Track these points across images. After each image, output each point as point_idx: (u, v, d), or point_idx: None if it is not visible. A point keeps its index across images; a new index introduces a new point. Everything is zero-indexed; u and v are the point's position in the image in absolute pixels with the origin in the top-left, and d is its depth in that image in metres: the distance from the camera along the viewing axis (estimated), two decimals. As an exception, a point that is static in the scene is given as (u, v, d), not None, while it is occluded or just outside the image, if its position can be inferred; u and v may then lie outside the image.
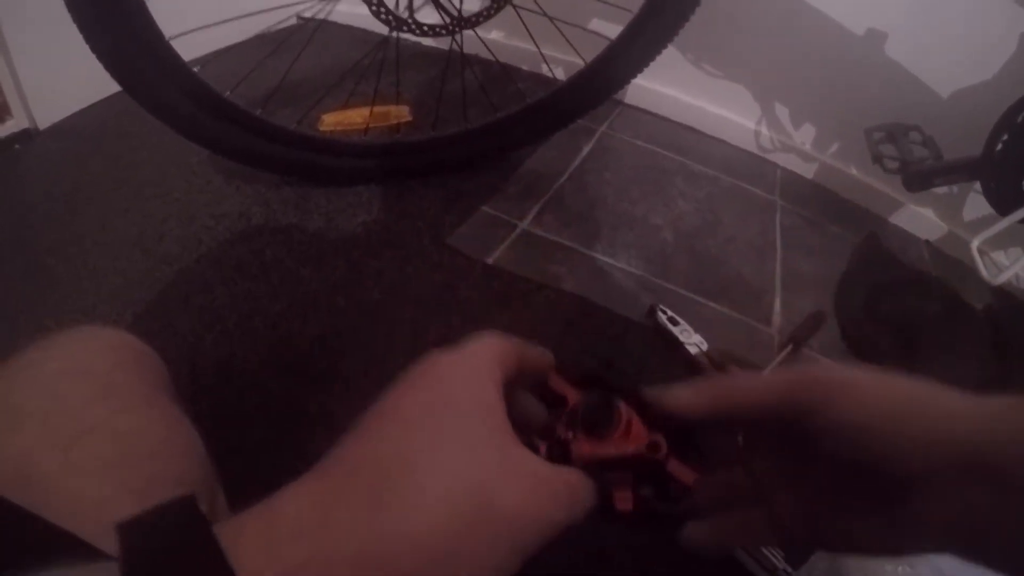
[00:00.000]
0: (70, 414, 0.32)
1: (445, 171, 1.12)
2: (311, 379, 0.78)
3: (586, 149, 1.25)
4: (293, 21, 1.53)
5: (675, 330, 0.89)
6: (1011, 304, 1.12)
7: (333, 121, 1.17)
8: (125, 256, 0.91)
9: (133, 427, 0.33)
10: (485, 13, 0.98)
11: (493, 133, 1.11)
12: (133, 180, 1.06)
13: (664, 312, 0.91)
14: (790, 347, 0.92)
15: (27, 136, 1.14)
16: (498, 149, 1.16)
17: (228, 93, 0.90)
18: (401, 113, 1.22)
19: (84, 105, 1.22)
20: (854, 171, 1.35)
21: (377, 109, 1.14)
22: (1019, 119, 0.97)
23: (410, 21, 0.93)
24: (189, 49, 0.85)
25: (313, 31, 1.30)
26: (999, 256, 1.20)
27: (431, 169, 1.11)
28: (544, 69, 1.40)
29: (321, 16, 1.49)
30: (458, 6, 0.97)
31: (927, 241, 1.31)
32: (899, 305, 1.07)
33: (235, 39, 1.45)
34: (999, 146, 0.99)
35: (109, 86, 0.80)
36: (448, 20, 0.97)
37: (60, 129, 1.17)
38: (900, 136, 1.14)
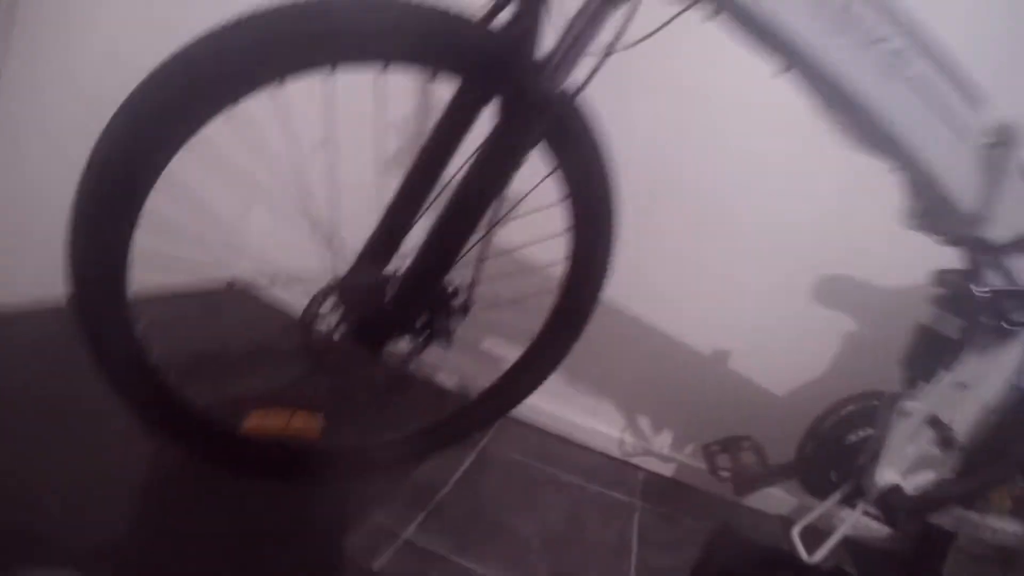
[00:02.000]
0: None
1: (344, 479, 1.25)
2: None
3: (468, 461, 1.44)
4: (223, 284, 1.73)
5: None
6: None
7: (255, 424, 1.23)
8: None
9: None
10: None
11: (396, 446, 1.27)
12: (68, 397, 1.12)
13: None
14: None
15: None
16: (399, 461, 1.32)
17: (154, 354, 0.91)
18: (313, 427, 1.38)
19: (37, 305, 1.26)
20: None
21: (295, 421, 1.30)
22: (821, 429, 1.22)
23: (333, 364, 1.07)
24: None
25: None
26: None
27: (331, 476, 1.23)
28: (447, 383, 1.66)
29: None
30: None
31: (781, 516, 1.51)
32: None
33: (162, 287, 1.48)
34: (808, 450, 1.23)
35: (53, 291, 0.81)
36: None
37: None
38: (733, 447, 1.39)
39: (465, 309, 1.04)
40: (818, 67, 0.82)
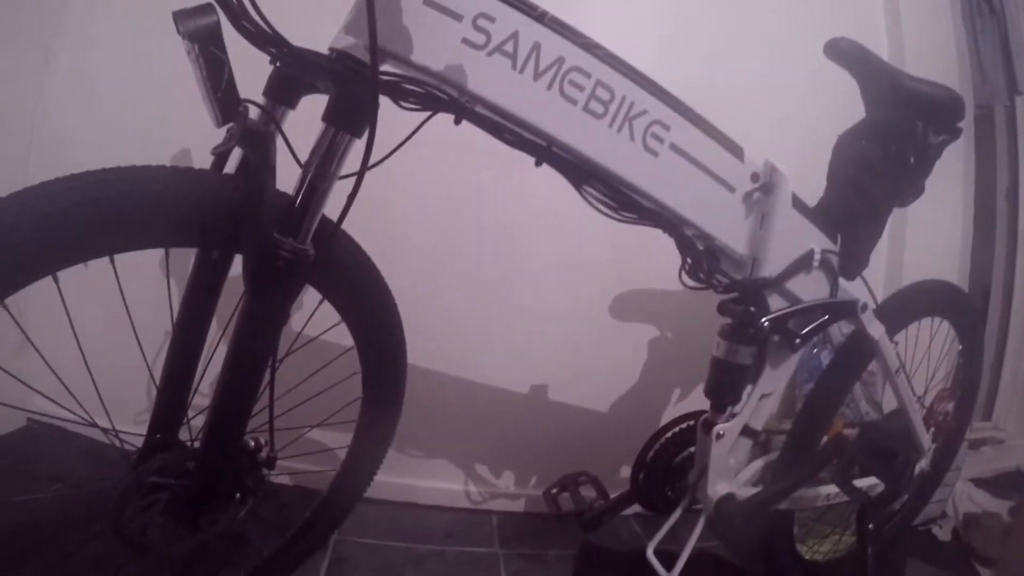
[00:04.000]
0: None
1: None
2: None
3: (324, 564, 1.35)
4: (23, 423, 1.51)
5: None
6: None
7: None
8: None
9: None
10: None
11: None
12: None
13: None
14: None
15: None
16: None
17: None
18: None
19: None
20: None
21: None
22: (648, 456, 1.27)
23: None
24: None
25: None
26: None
27: None
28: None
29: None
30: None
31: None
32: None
33: None
34: (640, 478, 1.27)
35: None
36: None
37: None
38: (572, 485, 1.41)
39: (271, 462, 0.96)
40: (574, 154, 0.83)
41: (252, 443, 0.93)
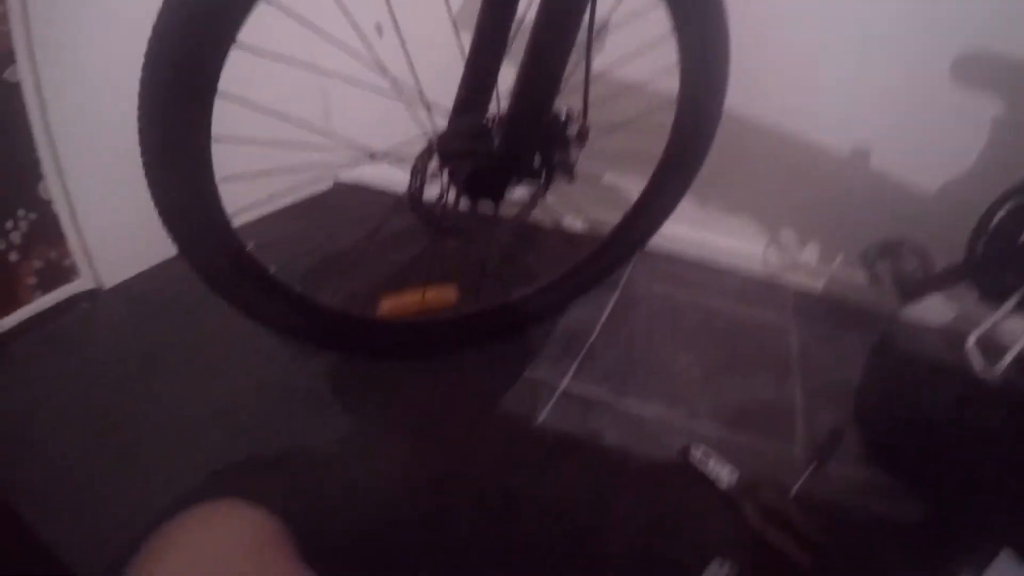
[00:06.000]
0: None
1: (489, 341, 1.27)
2: (384, 548, 0.88)
3: (611, 303, 1.41)
4: (330, 186, 1.76)
5: (707, 466, 1.01)
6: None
7: (390, 307, 1.30)
8: (201, 429, 1.02)
9: None
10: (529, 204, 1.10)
11: (533, 301, 1.29)
12: (201, 350, 1.16)
13: (696, 451, 1.03)
14: (815, 464, 1.02)
15: (93, 296, 1.19)
16: (538, 316, 1.33)
17: (273, 269, 0.94)
18: (449, 296, 1.39)
19: (148, 266, 1.30)
20: (860, 277, 1.43)
21: (429, 294, 1.33)
22: (992, 224, 1.09)
23: (453, 228, 1.07)
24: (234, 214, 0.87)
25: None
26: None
27: (477, 340, 1.26)
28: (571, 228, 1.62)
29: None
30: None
31: (940, 329, 1.41)
32: (916, 402, 1.16)
33: (273, 207, 1.57)
34: (979, 249, 1.12)
35: (172, 248, 0.82)
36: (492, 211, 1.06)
37: (125, 289, 1.25)
38: (893, 252, 1.27)
39: (583, 136, 0.95)
40: None
41: (564, 113, 0.91)
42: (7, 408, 1.03)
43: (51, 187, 1.13)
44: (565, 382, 1.19)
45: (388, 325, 1.23)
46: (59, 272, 1.17)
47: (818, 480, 1.00)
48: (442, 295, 1.36)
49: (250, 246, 0.89)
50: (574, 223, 1.66)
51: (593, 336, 1.31)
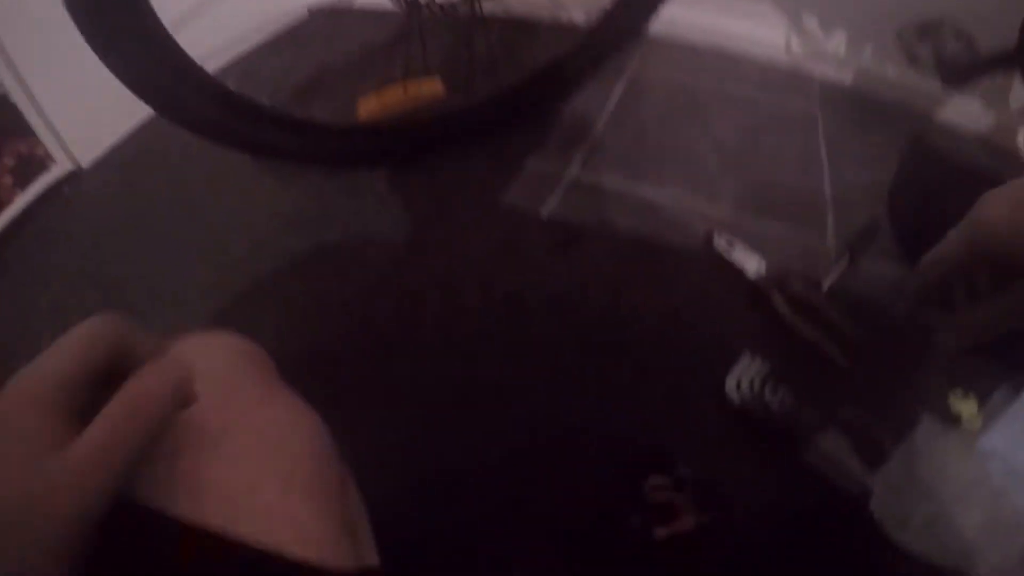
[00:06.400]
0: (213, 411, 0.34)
1: (485, 135, 1.14)
2: (392, 352, 0.83)
3: (619, 90, 1.26)
4: (305, 15, 1.55)
5: (732, 254, 0.92)
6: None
7: (370, 107, 1.18)
8: (195, 271, 0.95)
9: (271, 418, 0.37)
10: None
11: (528, 90, 1.14)
12: (186, 198, 1.09)
13: (720, 238, 0.94)
14: (847, 257, 0.94)
15: (74, 177, 1.15)
16: (535, 104, 1.19)
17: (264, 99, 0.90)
18: (434, 87, 1.23)
19: (121, 136, 1.22)
20: (891, 71, 1.32)
21: (410, 87, 1.17)
22: None
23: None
24: (207, 61, 0.84)
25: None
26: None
27: (471, 135, 1.14)
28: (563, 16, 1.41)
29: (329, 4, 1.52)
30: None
31: (976, 132, 1.29)
32: (952, 203, 1.07)
33: (249, 44, 1.43)
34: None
35: (141, 112, 0.77)
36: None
37: (104, 164, 1.18)
38: (933, 33, 1.13)
39: None
40: None
41: None
42: (8, 314, 0.93)
43: (3, 78, 1.04)
44: (572, 171, 1.06)
45: (373, 130, 1.11)
46: (33, 163, 1.11)
47: (850, 275, 0.91)
48: (426, 88, 1.20)
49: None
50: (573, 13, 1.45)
51: (601, 123, 1.17)
